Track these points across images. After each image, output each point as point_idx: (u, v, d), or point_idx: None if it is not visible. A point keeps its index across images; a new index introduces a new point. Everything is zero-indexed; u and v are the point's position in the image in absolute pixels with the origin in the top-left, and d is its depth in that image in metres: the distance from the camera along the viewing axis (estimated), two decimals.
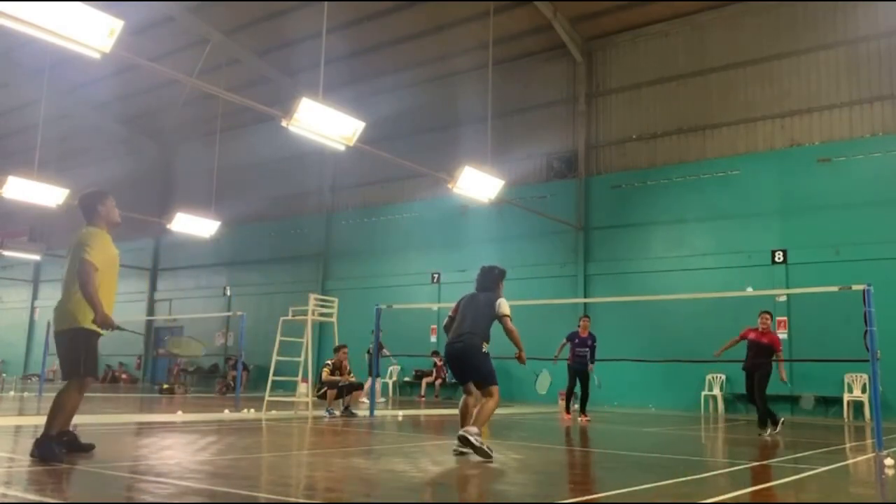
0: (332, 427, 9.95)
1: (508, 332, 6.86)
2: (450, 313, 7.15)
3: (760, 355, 10.21)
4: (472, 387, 6.79)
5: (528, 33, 19.76)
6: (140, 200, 27.05)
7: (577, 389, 13.13)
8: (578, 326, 12.94)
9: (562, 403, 17.76)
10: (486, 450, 6.19)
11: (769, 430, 10.00)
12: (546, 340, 18.08)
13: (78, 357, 5.60)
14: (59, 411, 5.57)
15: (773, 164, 16.73)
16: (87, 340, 5.65)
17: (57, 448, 5.46)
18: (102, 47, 8.53)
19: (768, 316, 10.58)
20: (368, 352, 16.29)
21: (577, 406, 13.00)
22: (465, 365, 6.79)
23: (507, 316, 6.84)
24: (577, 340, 12.76)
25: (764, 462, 6.98)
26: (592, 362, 12.80)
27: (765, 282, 15.93)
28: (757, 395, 10.09)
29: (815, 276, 14.67)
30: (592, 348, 12.75)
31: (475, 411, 6.58)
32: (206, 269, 26.70)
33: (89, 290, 5.49)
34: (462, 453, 6.40)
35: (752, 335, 10.43)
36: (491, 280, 7.21)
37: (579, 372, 12.78)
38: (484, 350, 6.73)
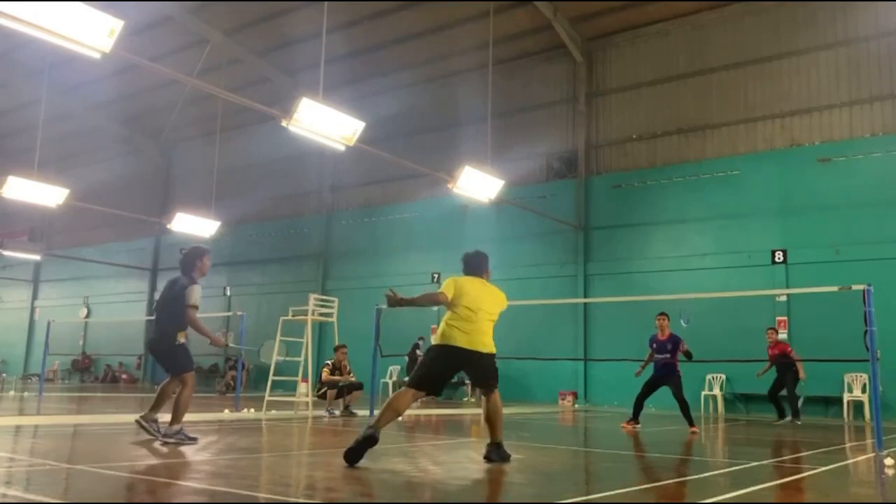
0: (332, 427, 9.95)
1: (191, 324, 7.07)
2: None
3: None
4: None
5: (528, 33, 19.75)
6: (140, 200, 27.13)
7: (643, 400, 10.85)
8: (656, 327, 10.71)
9: (563, 403, 17.84)
10: (172, 439, 6.73)
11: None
12: (546, 340, 18.20)
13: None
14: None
15: (773, 164, 16.72)
16: None
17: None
18: (102, 47, 8.54)
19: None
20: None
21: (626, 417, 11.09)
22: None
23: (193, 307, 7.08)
24: (654, 345, 10.61)
25: (764, 462, 6.98)
26: (690, 357, 10.48)
27: (765, 282, 15.94)
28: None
29: (815, 276, 14.66)
30: (683, 351, 10.46)
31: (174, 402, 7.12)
32: None
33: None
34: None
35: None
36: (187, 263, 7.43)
37: (663, 379, 10.49)
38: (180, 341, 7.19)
